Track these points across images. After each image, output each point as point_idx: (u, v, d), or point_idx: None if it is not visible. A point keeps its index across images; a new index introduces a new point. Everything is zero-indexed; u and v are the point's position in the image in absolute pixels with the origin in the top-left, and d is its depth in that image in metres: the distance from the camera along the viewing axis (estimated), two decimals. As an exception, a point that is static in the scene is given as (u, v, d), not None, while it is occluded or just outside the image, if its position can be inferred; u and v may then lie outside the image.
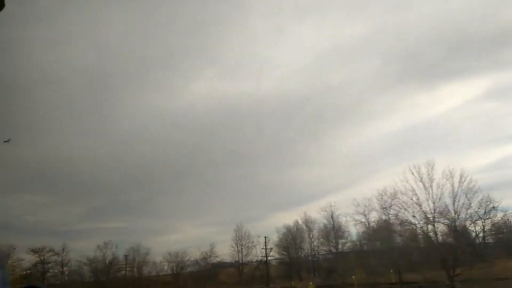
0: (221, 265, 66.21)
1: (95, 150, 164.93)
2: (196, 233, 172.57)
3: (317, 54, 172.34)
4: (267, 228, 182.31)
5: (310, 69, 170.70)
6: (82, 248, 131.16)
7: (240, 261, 61.80)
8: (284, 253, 62.48)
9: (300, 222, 63.76)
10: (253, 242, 60.37)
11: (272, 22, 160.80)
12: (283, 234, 62.61)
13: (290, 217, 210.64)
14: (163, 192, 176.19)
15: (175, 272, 64.00)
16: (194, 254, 65.80)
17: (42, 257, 60.83)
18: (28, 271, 57.99)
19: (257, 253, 57.14)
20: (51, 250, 61.48)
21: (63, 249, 62.67)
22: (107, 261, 62.03)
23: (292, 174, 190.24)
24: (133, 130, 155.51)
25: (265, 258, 45.22)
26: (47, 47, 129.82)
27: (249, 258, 61.82)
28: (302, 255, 65.19)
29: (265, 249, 42.36)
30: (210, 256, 64.87)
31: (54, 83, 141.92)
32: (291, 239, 62.69)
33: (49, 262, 62.38)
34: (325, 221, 61.74)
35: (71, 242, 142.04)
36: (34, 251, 59.81)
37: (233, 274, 61.70)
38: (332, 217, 60.53)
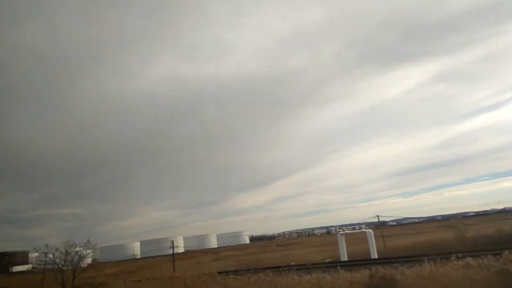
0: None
1: (47, 135, 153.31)
2: (157, 216, 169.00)
3: (279, 38, 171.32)
4: (231, 208, 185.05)
5: (271, 53, 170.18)
6: (38, 235, 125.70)
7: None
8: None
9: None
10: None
11: (231, 5, 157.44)
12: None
13: (253, 198, 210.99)
14: (121, 177, 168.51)
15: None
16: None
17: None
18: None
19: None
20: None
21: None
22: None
23: (253, 157, 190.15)
24: (88, 115, 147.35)
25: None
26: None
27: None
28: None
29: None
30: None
31: (1, 65, 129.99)
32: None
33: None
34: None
35: (26, 230, 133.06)
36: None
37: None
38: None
